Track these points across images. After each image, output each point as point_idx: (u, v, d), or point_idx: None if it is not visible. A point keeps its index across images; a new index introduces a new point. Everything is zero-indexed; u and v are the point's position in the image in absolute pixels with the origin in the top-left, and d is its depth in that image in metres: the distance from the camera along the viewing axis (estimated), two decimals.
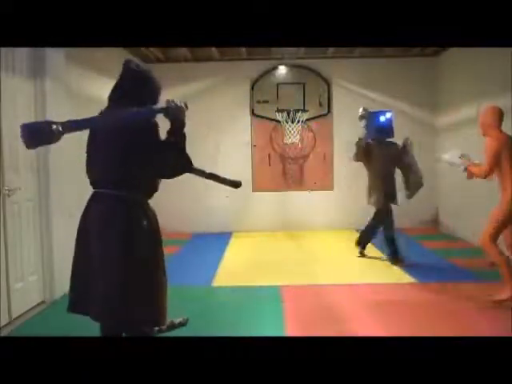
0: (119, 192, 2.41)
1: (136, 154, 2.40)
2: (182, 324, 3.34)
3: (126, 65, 2.59)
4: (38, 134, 2.28)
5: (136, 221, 2.37)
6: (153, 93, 2.60)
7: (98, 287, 2.33)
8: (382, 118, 5.35)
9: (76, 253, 2.53)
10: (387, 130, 5.33)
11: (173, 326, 3.28)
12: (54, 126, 2.27)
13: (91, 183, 2.54)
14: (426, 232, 7.14)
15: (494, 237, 3.66)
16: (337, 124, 7.68)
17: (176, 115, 2.44)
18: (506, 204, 3.67)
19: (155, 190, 2.55)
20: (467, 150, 6.61)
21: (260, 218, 7.61)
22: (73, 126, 2.43)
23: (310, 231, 7.43)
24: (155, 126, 2.44)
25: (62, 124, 2.33)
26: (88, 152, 2.61)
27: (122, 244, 2.32)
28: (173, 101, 2.43)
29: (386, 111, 5.48)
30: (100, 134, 2.53)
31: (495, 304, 3.66)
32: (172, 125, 2.46)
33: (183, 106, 2.46)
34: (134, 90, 2.55)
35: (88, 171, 2.57)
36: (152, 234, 2.43)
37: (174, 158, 2.44)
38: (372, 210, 5.32)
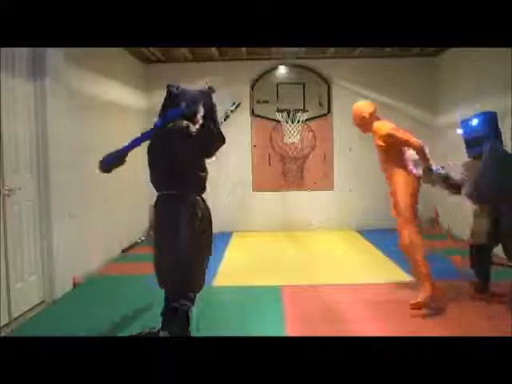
0: (179, 191, 2.93)
1: (185, 153, 2.93)
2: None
3: (167, 88, 3.13)
4: (111, 163, 3.06)
5: (193, 214, 2.93)
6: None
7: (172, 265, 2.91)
8: (472, 124, 3.98)
9: (156, 246, 3.03)
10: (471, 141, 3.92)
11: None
12: (120, 154, 3.05)
13: (156, 187, 3.07)
14: (426, 232, 7.12)
15: (414, 222, 3.67)
16: (337, 124, 7.67)
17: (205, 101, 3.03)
18: (403, 184, 3.68)
19: (205, 187, 3.09)
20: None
21: (260, 217, 7.61)
22: (129, 149, 3.11)
23: (310, 231, 7.43)
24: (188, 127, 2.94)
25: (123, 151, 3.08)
26: (149, 164, 3.14)
27: (187, 233, 2.88)
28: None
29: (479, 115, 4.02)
30: (153, 148, 3.10)
31: (413, 308, 3.57)
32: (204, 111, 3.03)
33: (208, 90, 3.05)
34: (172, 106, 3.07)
35: (152, 178, 3.11)
36: (205, 222, 3.03)
37: (214, 140, 3.05)
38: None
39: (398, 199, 3.71)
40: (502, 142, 3.86)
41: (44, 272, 4.04)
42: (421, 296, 3.59)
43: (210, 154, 3.11)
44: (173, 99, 3.07)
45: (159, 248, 3.01)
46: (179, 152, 2.92)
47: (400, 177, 3.74)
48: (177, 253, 2.89)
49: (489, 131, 3.83)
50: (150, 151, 3.10)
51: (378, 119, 3.91)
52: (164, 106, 3.11)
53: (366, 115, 3.86)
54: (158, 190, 3.06)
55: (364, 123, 3.89)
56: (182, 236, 2.89)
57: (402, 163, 3.76)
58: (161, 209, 3.00)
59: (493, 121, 3.89)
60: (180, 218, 2.90)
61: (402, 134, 3.70)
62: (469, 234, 4.15)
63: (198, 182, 3.04)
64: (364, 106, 3.92)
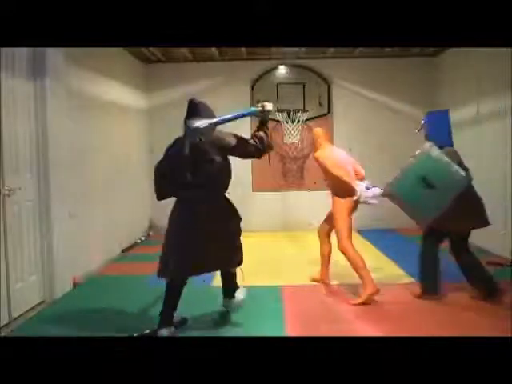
0: (211, 193, 3.26)
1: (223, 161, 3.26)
2: (180, 323, 3.35)
3: (191, 101, 3.31)
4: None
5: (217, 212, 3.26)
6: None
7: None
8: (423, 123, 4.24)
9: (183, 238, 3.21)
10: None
11: (181, 323, 3.32)
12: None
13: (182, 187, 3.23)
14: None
15: (350, 238, 4.09)
16: (337, 124, 7.67)
17: (266, 116, 3.40)
18: (339, 203, 4.13)
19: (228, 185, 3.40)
20: (465, 149, 6.56)
21: (260, 217, 7.61)
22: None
23: (310, 231, 7.41)
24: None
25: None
26: (176, 167, 3.23)
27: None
28: (263, 105, 3.33)
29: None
30: (184, 152, 3.19)
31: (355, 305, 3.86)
32: (261, 122, 3.39)
33: (271, 108, 3.36)
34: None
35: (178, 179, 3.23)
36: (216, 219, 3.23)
37: (262, 147, 3.31)
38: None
39: (335, 221, 4.17)
40: (444, 139, 3.91)
41: (44, 272, 4.04)
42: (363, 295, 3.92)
43: (258, 156, 3.40)
44: (193, 108, 3.25)
45: (176, 241, 3.19)
46: (218, 159, 3.20)
47: (336, 199, 4.17)
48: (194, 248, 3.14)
49: (428, 130, 4.00)
50: (181, 156, 3.19)
51: (328, 143, 4.44)
52: (187, 117, 3.27)
53: (318, 139, 4.44)
54: (184, 189, 3.22)
55: (316, 145, 4.46)
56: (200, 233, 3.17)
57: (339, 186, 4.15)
58: (188, 207, 3.21)
59: (434, 120, 4.05)
60: (204, 215, 3.17)
61: (325, 163, 4.17)
62: None
63: (227, 184, 3.38)
64: (318, 133, 4.49)
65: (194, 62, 7.48)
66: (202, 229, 3.15)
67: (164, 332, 3.11)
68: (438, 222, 3.68)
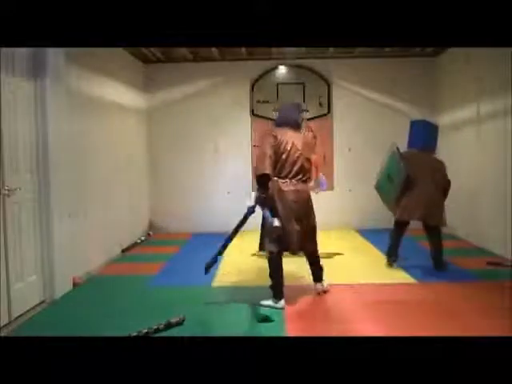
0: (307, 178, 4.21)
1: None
2: (178, 323, 3.34)
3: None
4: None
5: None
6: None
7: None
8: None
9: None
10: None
11: (169, 325, 3.29)
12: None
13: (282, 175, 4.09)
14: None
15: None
16: (337, 124, 7.67)
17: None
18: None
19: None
20: (466, 149, 6.59)
21: (260, 217, 7.59)
22: None
23: None
24: None
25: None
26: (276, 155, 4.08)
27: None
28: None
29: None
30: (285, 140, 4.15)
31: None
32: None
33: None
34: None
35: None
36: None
37: None
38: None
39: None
40: (415, 144, 4.93)
41: (44, 272, 4.04)
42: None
43: None
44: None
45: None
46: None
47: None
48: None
49: (409, 135, 5.07)
50: (284, 141, 4.13)
51: None
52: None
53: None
54: (285, 177, 4.11)
55: None
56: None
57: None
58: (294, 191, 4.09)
59: (411, 127, 5.10)
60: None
61: None
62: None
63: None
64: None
65: (193, 62, 7.48)
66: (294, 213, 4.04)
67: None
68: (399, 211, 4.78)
